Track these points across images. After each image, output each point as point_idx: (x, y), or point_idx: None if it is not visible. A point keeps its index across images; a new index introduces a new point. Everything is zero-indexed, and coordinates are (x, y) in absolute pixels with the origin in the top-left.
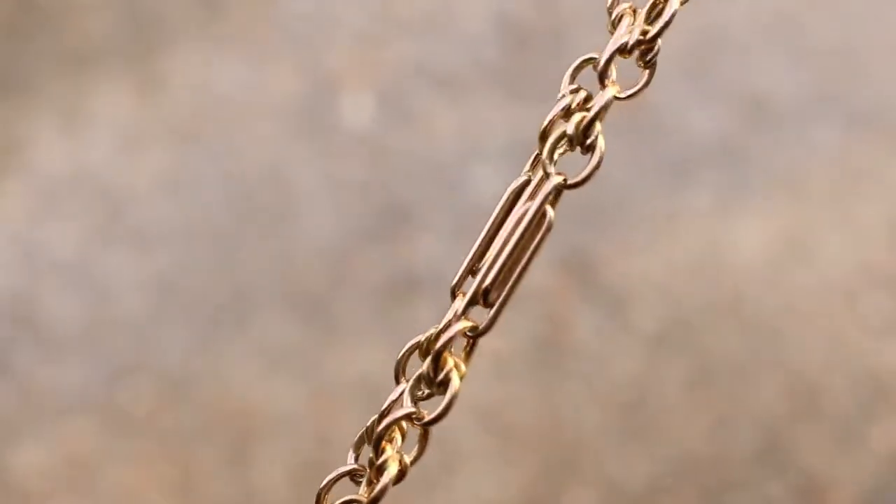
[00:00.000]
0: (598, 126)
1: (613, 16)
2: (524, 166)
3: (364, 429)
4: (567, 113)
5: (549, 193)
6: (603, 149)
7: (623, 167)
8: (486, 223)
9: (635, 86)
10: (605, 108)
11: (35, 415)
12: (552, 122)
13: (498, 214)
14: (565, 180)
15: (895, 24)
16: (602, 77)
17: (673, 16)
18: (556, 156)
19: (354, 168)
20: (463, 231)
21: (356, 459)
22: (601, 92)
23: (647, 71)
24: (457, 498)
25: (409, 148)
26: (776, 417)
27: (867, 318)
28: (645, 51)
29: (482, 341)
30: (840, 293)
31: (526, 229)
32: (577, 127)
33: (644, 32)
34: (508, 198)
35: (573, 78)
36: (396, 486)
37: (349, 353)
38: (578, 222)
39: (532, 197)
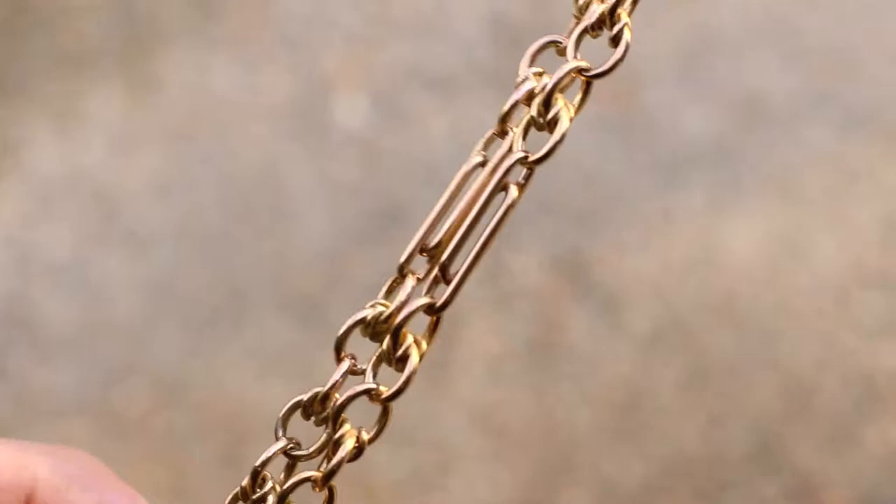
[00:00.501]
0: (559, 100)
1: (581, 2)
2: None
3: (295, 402)
4: (530, 97)
5: (510, 168)
6: (566, 125)
7: (616, 167)
8: (438, 202)
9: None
10: (563, 78)
11: (30, 417)
12: (514, 106)
13: (452, 193)
14: (527, 156)
15: (889, 25)
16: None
17: None
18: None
19: (349, 169)
20: None
21: (283, 433)
22: (565, 63)
23: (619, 48)
24: (452, 499)
25: (403, 149)
26: (770, 417)
27: (861, 318)
28: (612, 27)
29: (479, 342)
30: (834, 293)
31: (485, 204)
32: (538, 105)
33: (611, 11)
34: (461, 178)
35: (533, 60)
36: (393, 487)
37: None
38: (571, 222)
39: (493, 172)
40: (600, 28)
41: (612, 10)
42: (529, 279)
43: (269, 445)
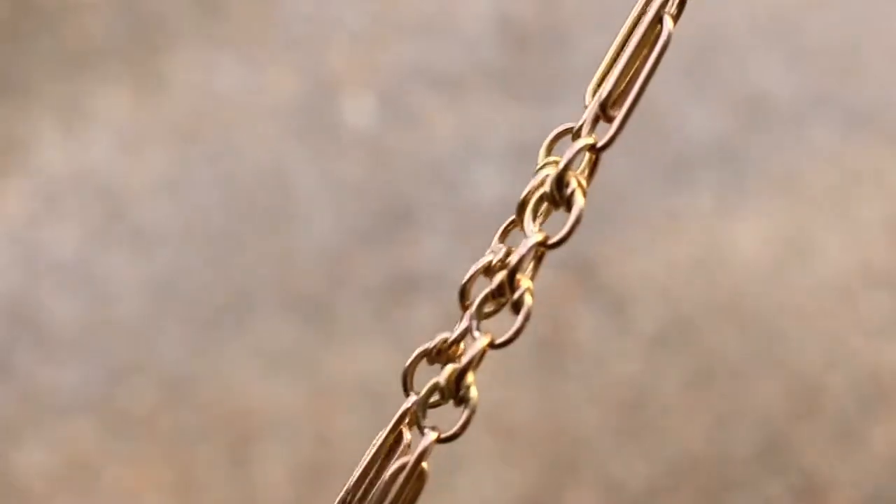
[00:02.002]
0: (470, 377)
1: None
2: (523, 166)
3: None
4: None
5: (426, 451)
6: (476, 401)
7: (622, 168)
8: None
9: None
10: (478, 357)
11: (35, 415)
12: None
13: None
14: (439, 436)
15: (892, 24)
16: (511, 272)
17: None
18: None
19: (354, 169)
20: (462, 231)
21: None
22: (472, 341)
23: (520, 316)
24: (459, 499)
25: (409, 148)
26: (776, 417)
27: (867, 318)
28: (513, 293)
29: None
30: (839, 293)
31: (404, 484)
32: (448, 378)
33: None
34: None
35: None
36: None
37: (349, 353)
38: None
39: (405, 453)
40: (501, 294)
41: (511, 277)
42: (536, 279)
43: (274, 444)
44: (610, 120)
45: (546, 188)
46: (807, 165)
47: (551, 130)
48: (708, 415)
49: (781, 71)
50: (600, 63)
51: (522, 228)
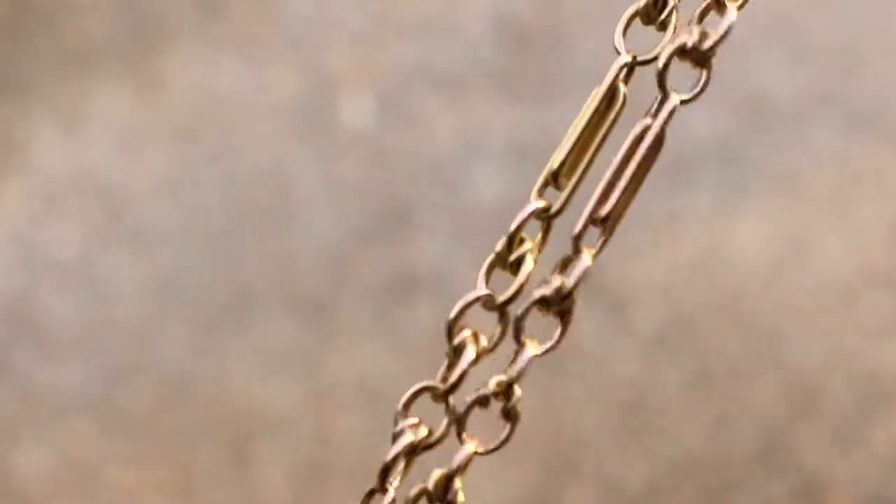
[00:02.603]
0: (457, 482)
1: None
2: (523, 166)
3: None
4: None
5: None
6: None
7: None
8: None
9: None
10: (465, 463)
11: (35, 415)
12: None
13: None
14: None
15: (893, 25)
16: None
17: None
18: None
19: (354, 169)
20: (462, 231)
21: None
22: (462, 449)
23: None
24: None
25: (408, 148)
26: (776, 418)
27: (867, 319)
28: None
29: (485, 342)
30: (840, 293)
31: None
32: (436, 484)
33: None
34: None
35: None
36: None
37: (349, 353)
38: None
39: None
40: (487, 403)
41: (509, 387)
42: (536, 280)
43: (274, 444)
44: (601, 222)
45: (547, 291)
46: (807, 165)
47: (551, 130)
48: (708, 415)
49: (782, 71)
50: (600, 62)
51: (517, 342)
